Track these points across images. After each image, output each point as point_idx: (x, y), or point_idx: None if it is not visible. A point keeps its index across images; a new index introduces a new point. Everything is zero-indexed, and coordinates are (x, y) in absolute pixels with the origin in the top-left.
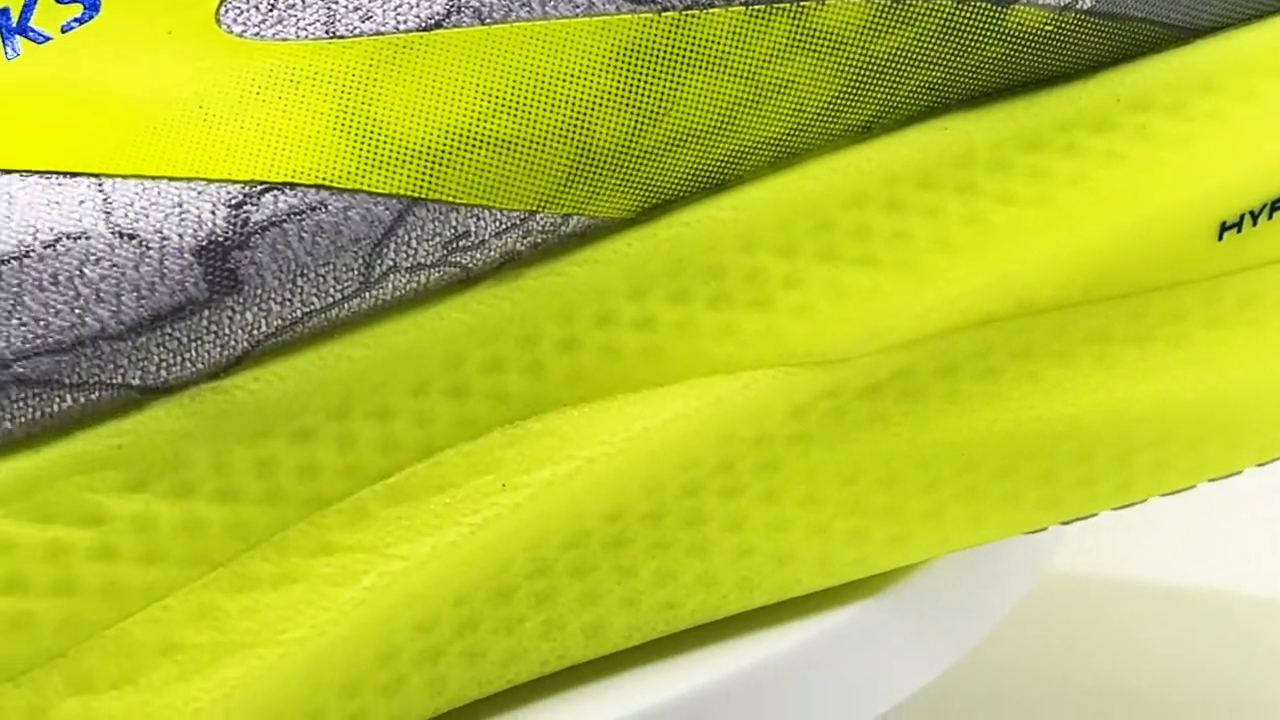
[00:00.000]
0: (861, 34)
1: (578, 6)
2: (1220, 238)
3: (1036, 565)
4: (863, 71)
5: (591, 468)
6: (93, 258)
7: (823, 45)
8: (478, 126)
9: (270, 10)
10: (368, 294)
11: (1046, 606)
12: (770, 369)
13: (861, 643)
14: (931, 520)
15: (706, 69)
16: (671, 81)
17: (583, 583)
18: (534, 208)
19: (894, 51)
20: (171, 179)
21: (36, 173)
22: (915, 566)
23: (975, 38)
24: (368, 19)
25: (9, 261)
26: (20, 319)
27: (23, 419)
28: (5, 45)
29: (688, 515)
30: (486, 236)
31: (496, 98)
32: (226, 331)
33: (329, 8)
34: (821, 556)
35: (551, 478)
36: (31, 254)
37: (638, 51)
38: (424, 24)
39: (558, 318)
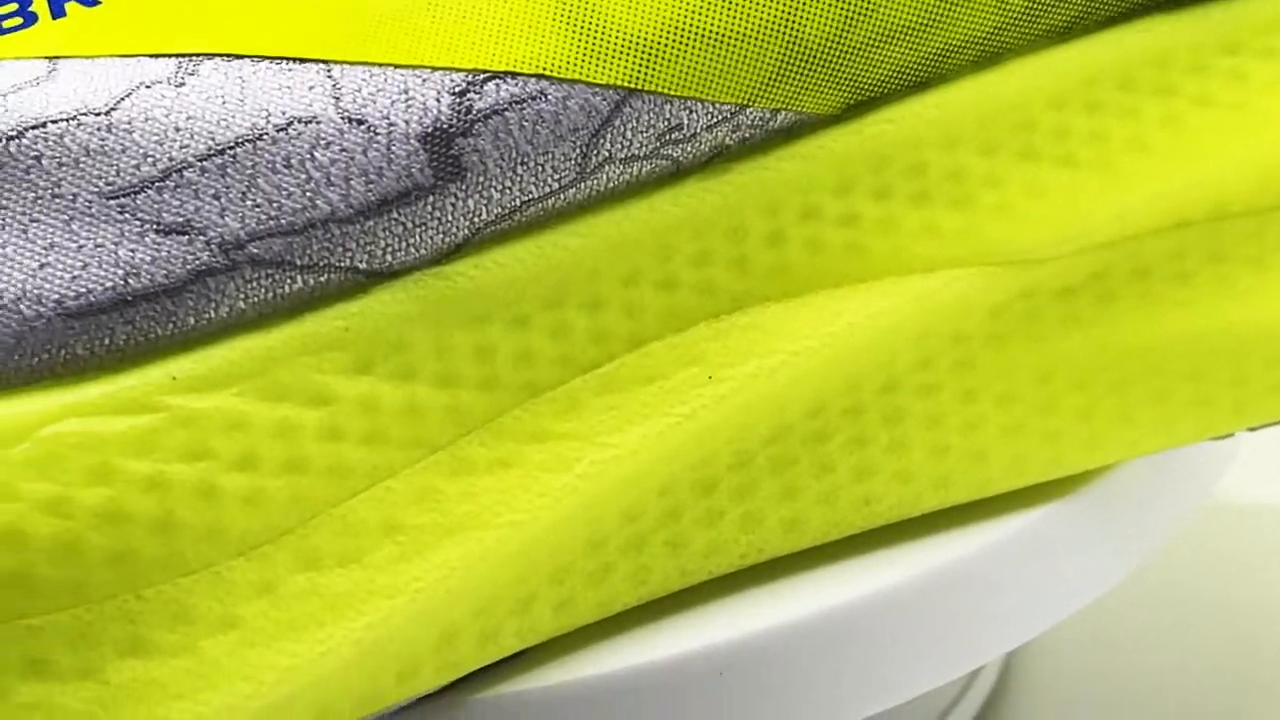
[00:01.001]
0: None
1: None
2: None
3: (1214, 475)
4: None
5: (795, 362)
6: (323, 142)
7: None
8: (693, 19)
9: None
10: (583, 184)
11: (1205, 523)
12: (969, 268)
13: (1052, 544)
14: (1123, 422)
15: None
16: None
17: (782, 477)
18: (744, 102)
19: None
20: (397, 66)
21: (267, 58)
22: (1105, 469)
23: None
24: None
25: (243, 144)
26: (254, 200)
27: (255, 299)
28: None
29: (886, 412)
30: (698, 129)
31: None
32: (449, 218)
33: None
34: (1015, 456)
35: (756, 371)
36: (265, 137)
37: None
38: None
39: (764, 212)
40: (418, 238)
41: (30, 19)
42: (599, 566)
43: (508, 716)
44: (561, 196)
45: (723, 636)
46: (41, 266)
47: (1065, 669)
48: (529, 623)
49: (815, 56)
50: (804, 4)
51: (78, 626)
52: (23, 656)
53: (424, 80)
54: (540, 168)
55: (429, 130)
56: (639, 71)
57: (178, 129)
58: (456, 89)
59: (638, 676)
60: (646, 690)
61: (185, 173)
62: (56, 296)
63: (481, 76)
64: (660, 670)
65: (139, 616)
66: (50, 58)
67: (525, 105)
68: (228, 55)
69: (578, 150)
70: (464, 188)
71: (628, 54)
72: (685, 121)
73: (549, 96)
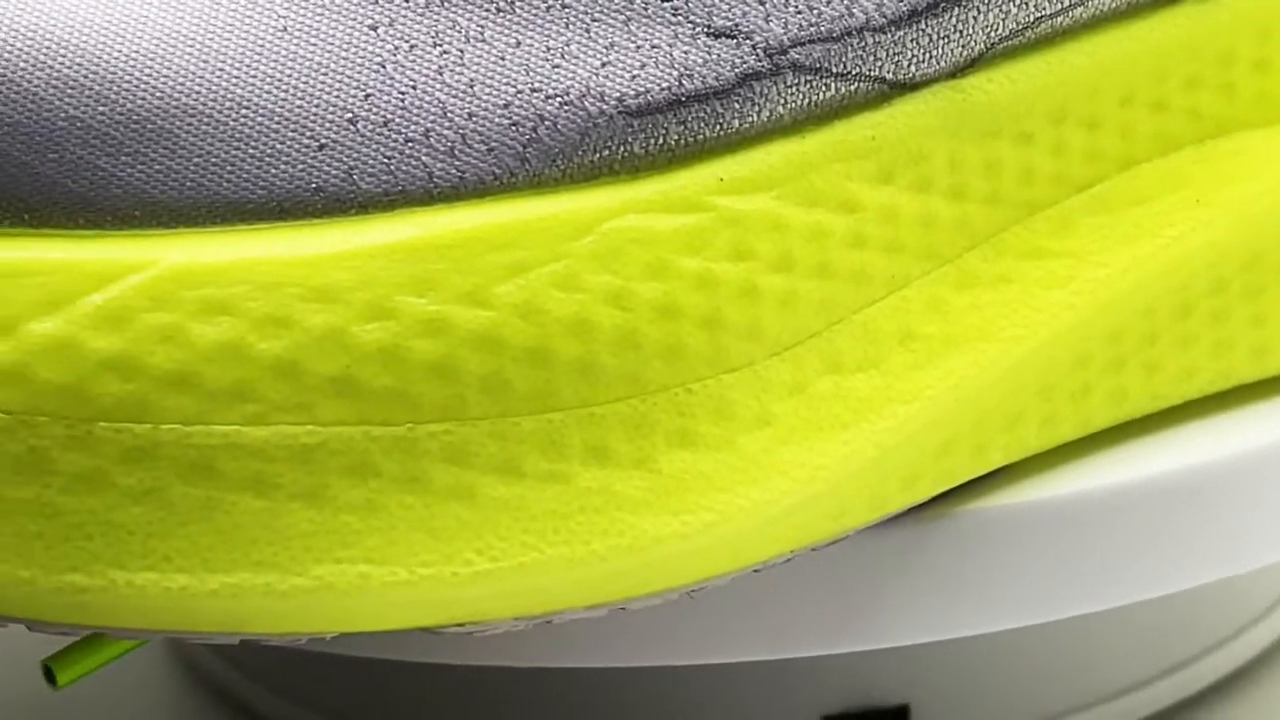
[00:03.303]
0: None
1: None
2: None
3: None
4: None
5: (1279, 188)
6: None
7: None
8: None
9: None
10: (1091, 2)
11: None
12: None
13: None
14: None
15: None
16: None
17: (1254, 304)
18: None
19: None
20: None
21: None
22: None
23: None
24: None
25: None
26: (797, 6)
27: (793, 105)
28: None
29: None
30: None
31: None
32: (969, 31)
33: None
34: None
35: (1241, 196)
36: None
37: None
38: None
39: (1255, 38)
40: (940, 50)
41: None
42: (1081, 386)
43: (989, 530)
44: (1070, 14)
45: (1199, 458)
46: (603, 65)
47: None
48: (1016, 438)
49: None
50: None
51: (634, 416)
52: (584, 443)
53: None
54: None
55: None
56: None
57: None
58: None
59: (1117, 495)
60: (1125, 509)
61: None
62: (618, 94)
63: None
64: (1139, 488)
65: (688, 409)
66: None
67: None
68: None
69: None
70: (986, 2)
71: None
72: None
73: None
